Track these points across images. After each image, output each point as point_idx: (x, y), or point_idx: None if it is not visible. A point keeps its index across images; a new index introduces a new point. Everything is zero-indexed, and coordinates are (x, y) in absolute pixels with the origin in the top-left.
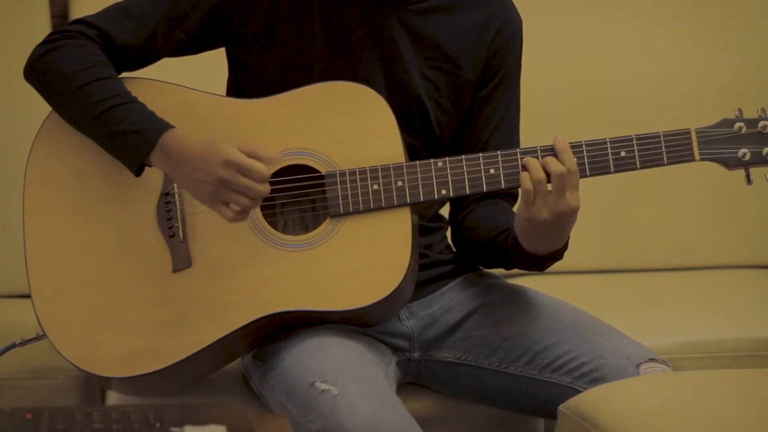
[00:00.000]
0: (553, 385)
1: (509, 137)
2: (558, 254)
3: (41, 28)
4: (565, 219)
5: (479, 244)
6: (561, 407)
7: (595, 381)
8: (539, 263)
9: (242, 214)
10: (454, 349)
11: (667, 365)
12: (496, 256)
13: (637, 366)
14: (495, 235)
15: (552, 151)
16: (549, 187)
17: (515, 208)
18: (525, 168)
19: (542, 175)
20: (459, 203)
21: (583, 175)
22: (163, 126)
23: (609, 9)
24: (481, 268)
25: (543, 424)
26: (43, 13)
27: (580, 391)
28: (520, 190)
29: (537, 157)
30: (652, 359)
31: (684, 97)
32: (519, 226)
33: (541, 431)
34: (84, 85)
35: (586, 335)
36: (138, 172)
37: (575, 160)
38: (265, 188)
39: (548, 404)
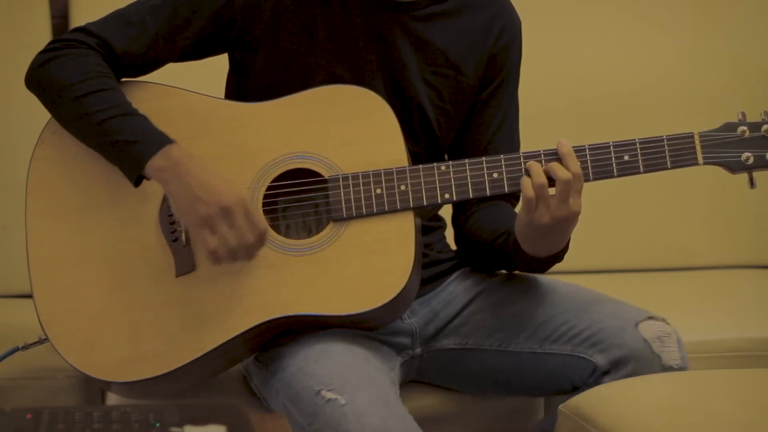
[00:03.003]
0: (555, 357)
1: (510, 138)
2: (558, 256)
3: (41, 28)
4: (566, 224)
5: (481, 246)
6: (561, 407)
7: (595, 344)
8: (540, 265)
9: (217, 253)
10: (454, 336)
11: (666, 322)
12: (498, 259)
13: (636, 325)
14: (495, 238)
15: (555, 154)
16: (551, 191)
17: (516, 210)
18: (527, 172)
19: (544, 180)
20: (461, 205)
21: (587, 180)
22: (164, 139)
23: (608, 9)
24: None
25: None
26: (43, 13)
27: (582, 357)
28: (521, 196)
29: (540, 161)
30: (650, 317)
31: (684, 96)
32: (519, 230)
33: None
34: (84, 95)
35: (583, 305)
36: (137, 183)
37: (579, 164)
38: (252, 253)
39: (552, 377)
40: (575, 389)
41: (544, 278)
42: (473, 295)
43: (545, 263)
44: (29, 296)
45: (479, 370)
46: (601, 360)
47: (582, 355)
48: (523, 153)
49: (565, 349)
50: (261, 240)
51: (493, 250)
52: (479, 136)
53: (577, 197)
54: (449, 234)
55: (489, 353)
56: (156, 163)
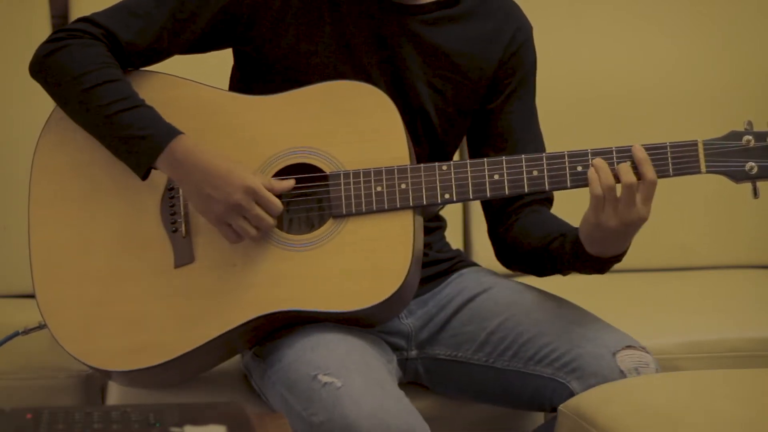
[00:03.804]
0: (538, 378)
1: (535, 141)
2: (621, 256)
3: (41, 28)
4: (633, 227)
5: (531, 253)
6: (561, 407)
7: (574, 371)
8: (601, 266)
9: (242, 239)
10: (445, 346)
11: (646, 352)
12: (551, 263)
13: (614, 354)
14: (548, 242)
15: (560, 157)
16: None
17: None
18: (595, 171)
19: (612, 181)
20: (498, 217)
21: (585, 185)
22: (172, 132)
23: (608, 9)
24: (478, 264)
25: (543, 420)
26: (43, 13)
27: (562, 383)
28: (589, 194)
29: (542, 167)
30: (629, 346)
31: (684, 96)
32: (585, 231)
33: None
34: (91, 87)
35: (566, 326)
36: (144, 177)
37: (655, 171)
38: (274, 222)
39: (535, 397)
40: (554, 410)
41: (533, 290)
42: (464, 300)
43: (607, 264)
44: (29, 296)
45: (469, 382)
46: (577, 387)
47: (561, 380)
48: (525, 156)
49: (546, 372)
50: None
51: (546, 254)
52: (504, 141)
53: (647, 203)
54: (449, 234)
55: (477, 367)
56: (164, 160)
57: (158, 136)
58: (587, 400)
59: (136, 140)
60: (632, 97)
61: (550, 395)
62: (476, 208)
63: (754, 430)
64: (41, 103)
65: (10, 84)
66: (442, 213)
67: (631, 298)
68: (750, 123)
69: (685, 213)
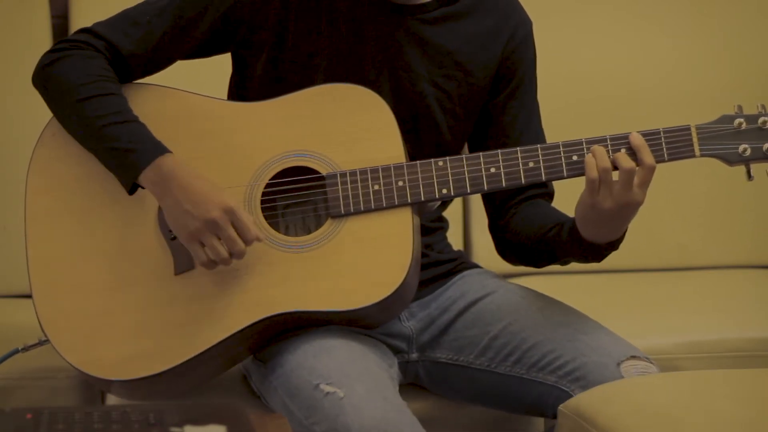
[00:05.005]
0: (540, 385)
1: (537, 139)
2: (617, 243)
3: (41, 28)
4: (628, 210)
5: (529, 243)
6: (561, 407)
7: (578, 380)
8: (597, 253)
9: (212, 265)
10: (447, 350)
11: (650, 362)
12: (548, 253)
13: (618, 364)
14: (546, 231)
15: (554, 148)
16: (614, 176)
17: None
18: (592, 155)
19: (608, 164)
20: (498, 211)
21: (581, 174)
22: (159, 149)
23: (608, 9)
24: (480, 265)
25: (543, 424)
26: (43, 13)
27: (565, 391)
28: (585, 177)
29: (538, 158)
30: (634, 357)
31: (683, 96)
32: (581, 213)
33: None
34: (85, 99)
35: (570, 334)
36: (131, 191)
37: (654, 156)
38: (244, 252)
39: (537, 403)
40: (555, 417)
41: (536, 295)
42: (466, 304)
43: (603, 250)
44: (29, 296)
45: (469, 387)
46: None
47: (564, 388)
48: (520, 148)
49: (550, 379)
50: (253, 242)
51: (543, 244)
52: (505, 138)
53: (644, 187)
54: (451, 234)
55: (479, 372)
56: (148, 175)
57: (144, 152)
58: (587, 400)
59: (123, 153)
60: (632, 97)
61: (553, 402)
62: (476, 208)
63: (754, 430)
64: (41, 103)
65: (10, 84)
66: (445, 214)
67: (631, 298)
68: (740, 107)
69: (684, 213)
